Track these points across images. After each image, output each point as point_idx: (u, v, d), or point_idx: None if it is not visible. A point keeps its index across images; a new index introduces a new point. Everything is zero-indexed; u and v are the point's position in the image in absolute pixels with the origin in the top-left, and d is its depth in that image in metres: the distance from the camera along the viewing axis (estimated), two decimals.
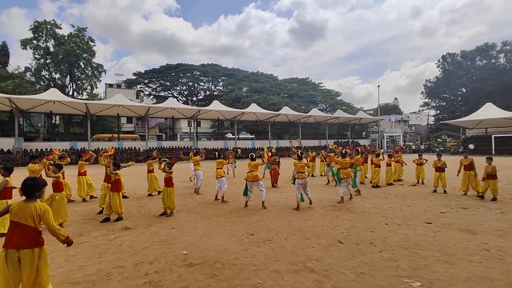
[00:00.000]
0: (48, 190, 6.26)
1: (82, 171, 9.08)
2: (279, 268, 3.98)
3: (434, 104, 57.75)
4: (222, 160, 9.36)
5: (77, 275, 3.85)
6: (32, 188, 2.95)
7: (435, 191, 10.09)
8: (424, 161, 12.04)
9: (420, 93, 58.43)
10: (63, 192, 6.63)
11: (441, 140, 54.76)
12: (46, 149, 26.69)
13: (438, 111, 58.01)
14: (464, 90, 52.40)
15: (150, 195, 9.99)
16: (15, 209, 2.85)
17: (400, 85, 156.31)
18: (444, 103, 56.15)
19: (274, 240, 5.19)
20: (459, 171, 9.89)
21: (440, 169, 10.08)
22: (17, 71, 40.14)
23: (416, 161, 12.29)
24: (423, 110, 61.61)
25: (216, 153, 10.95)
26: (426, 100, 57.52)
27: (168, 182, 7.11)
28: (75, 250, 4.78)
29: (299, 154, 8.16)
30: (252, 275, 3.79)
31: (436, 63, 55.57)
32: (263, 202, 7.86)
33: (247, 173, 7.98)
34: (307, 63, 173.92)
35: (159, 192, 9.93)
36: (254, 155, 8.50)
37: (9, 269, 2.70)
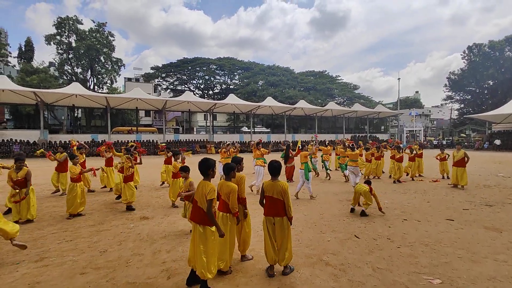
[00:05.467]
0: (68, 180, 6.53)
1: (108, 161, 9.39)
2: (295, 261, 3.97)
3: (458, 97, 55.22)
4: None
5: (99, 261, 4.00)
6: (206, 168, 3.34)
7: (454, 186, 9.79)
8: (447, 156, 11.62)
9: (443, 86, 56.05)
10: (81, 182, 6.74)
11: (464, 135, 52.43)
12: (70, 141, 27.76)
13: (462, 105, 55.47)
14: (491, 83, 49.69)
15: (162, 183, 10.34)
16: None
17: (423, 78, 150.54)
18: (469, 97, 53.58)
19: None
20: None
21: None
22: (41, 66, 41.73)
23: (438, 157, 11.88)
24: (446, 103, 59.26)
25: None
26: (450, 93, 55.10)
27: (175, 174, 7.27)
28: (97, 237, 4.97)
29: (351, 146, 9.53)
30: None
31: (462, 54, 52.92)
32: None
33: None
34: (325, 56, 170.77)
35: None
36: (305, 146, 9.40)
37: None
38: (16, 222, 5.67)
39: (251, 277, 3.50)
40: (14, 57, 45.71)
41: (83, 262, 3.96)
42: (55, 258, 4.10)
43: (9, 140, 26.81)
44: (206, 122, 45.86)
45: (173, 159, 8.06)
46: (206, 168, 3.33)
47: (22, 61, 44.22)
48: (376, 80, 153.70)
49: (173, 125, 51.71)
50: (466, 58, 52.13)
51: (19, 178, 5.85)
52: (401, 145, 12.93)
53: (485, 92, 51.51)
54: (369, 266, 3.81)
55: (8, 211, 6.51)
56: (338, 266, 3.80)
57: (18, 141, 26.89)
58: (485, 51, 49.34)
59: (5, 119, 38.89)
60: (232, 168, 3.68)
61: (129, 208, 6.88)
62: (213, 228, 3.21)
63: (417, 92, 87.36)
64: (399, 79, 55.17)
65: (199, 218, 3.19)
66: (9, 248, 4.48)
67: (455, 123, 57.02)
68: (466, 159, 9.72)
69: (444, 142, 43.05)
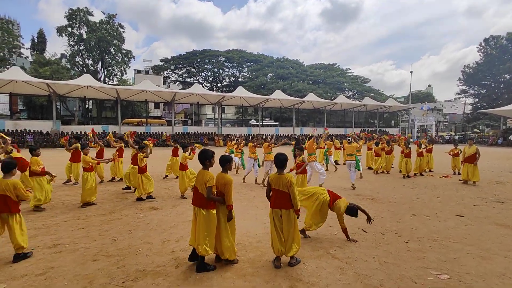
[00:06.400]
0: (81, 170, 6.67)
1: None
2: (301, 253, 3.99)
3: (472, 91, 53.73)
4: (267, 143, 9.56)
5: (110, 249, 4.11)
6: (204, 158, 3.69)
7: (465, 182, 9.66)
8: (460, 151, 11.40)
9: (457, 80, 54.55)
10: (93, 172, 6.88)
11: (478, 131, 51.16)
12: (81, 131, 28.31)
13: (476, 99, 53.99)
14: (507, 77, 48.08)
15: (166, 176, 10.43)
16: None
17: (437, 71, 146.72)
18: (484, 91, 52.05)
19: None
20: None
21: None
22: (54, 58, 42.38)
23: (451, 152, 11.65)
24: (459, 98, 57.71)
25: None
26: (464, 87, 53.66)
27: (183, 166, 7.33)
28: (108, 226, 5.10)
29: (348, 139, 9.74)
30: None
31: (478, 47, 51.22)
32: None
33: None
34: (336, 48, 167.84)
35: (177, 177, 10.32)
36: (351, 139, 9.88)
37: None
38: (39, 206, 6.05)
39: (257, 268, 3.54)
40: (27, 49, 46.57)
41: (95, 250, 4.07)
42: (68, 245, 4.23)
43: (23, 130, 27.50)
44: (215, 114, 45.96)
45: (181, 151, 8.10)
46: (204, 158, 3.66)
47: (35, 52, 44.99)
48: (387, 73, 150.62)
49: (182, 118, 52.05)
50: (482, 50, 50.53)
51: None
52: (411, 140, 12.76)
53: (501, 86, 49.97)
54: (376, 260, 3.81)
55: None
56: (345, 259, 3.80)
57: (32, 131, 27.57)
58: (502, 44, 47.71)
59: (18, 110, 39.83)
60: (228, 161, 3.78)
61: (150, 197, 7.03)
62: (214, 211, 3.53)
63: (429, 86, 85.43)
64: (411, 72, 54.02)
65: (200, 202, 3.54)
66: None
67: (468, 118, 55.63)
68: (477, 155, 9.51)
69: (457, 138, 42.14)
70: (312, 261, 3.75)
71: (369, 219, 4.59)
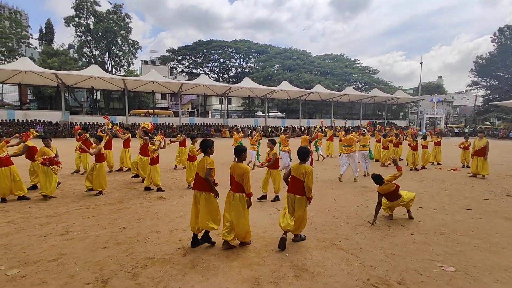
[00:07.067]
0: (91, 160, 6.79)
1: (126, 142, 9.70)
2: (306, 244, 4.03)
3: (484, 83, 52.33)
4: (305, 136, 9.51)
5: (119, 236, 4.21)
6: (205, 147, 4.04)
7: (474, 175, 9.55)
8: (470, 144, 11.22)
9: (469, 71, 53.18)
10: (104, 162, 7.04)
11: (489, 123, 50.05)
12: (90, 122, 28.65)
13: (488, 91, 52.63)
14: None
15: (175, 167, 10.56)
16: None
17: (448, 62, 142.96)
18: (497, 82, 50.66)
19: None
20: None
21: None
22: (62, 48, 42.60)
23: (462, 145, 11.45)
24: (470, 89, 56.35)
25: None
26: (476, 78, 52.28)
27: (192, 157, 7.38)
28: (117, 215, 5.21)
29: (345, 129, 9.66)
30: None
31: (492, 37, 49.64)
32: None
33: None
34: (344, 38, 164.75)
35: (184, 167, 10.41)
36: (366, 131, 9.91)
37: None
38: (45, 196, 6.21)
39: (263, 258, 3.59)
40: (35, 39, 46.86)
41: (105, 237, 4.17)
42: (78, 233, 4.34)
43: (33, 120, 27.95)
44: (221, 106, 45.94)
45: (188, 142, 8.16)
46: (206, 146, 4.02)
47: (43, 43, 45.25)
48: (397, 64, 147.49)
49: (188, 109, 52.18)
50: (496, 41, 48.97)
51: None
52: (419, 133, 12.62)
53: None
54: (382, 251, 3.82)
55: (33, 187, 6.92)
56: (350, 251, 3.83)
57: (42, 121, 28.01)
58: None
59: (28, 100, 40.39)
60: (243, 151, 4.00)
61: (159, 190, 7.09)
62: (213, 194, 3.86)
63: (440, 77, 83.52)
64: (421, 63, 52.88)
65: (202, 186, 3.86)
66: (37, 222, 4.79)
67: (479, 110, 54.39)
68: (486, 149, 9.34)
69: (467, 130, 41.36)
70: (317, 252, 3.78)
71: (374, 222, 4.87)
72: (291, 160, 9.33)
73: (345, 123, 20.16)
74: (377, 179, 5.06)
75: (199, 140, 5.08)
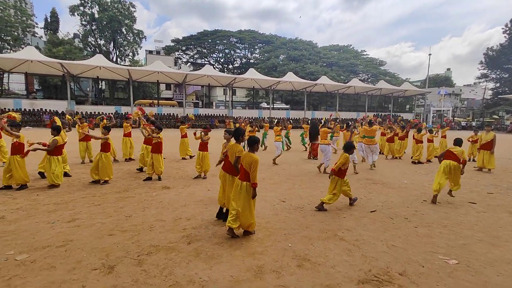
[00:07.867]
0: (96, 149, 6.86)
1: (127, 132, 9.74)
2: (309, 234, 4.07)
3: (494, 75, 51.39)
4: (325, 129, 9.24)
5: (124, 224, 4.29)
6: (238, 135, 4.37)
7: (480, 169, 9.49)
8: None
9: (478, 63, 52.12)
10: (110, 151, 7.12)
11: (497, 117, 49.24)
12: (95, 112, 28.84)
13: (497, 84, 51.70)
14: None
15: (183, 158, 10.52)
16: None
17: (457, 54, 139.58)
18: (507, 75, 49.66)
19: (305, 208, 5.27)
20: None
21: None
22: (67, 38, 42.58)
23: (471, 139, 11.26)
24: (479, 82, 55.42)
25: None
26: (485, 71, 51.31)
27: (203, 147, 7.38)
28: (123, 203, 5.29)
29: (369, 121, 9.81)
30: (282, 238, 3.92)
31: (503, 28, 48.40)
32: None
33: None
34: (351, 29, 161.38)
35: (190, 157, 10.46)
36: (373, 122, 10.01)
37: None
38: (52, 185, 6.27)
39: (266, 247, 3.63)
40: (40, 28, 46.85)
41: (111, 225, 4.25)
42: (85, 220, 4.43)
43: (39, 109, 28.22)
44: (226, 96, 45.78)
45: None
46: (238, 134, 4.35)
47: (48, 32, 45.25)
48: (405, 55, 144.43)
49: (192, 99, 52.13)
50: (508, 32, 47.76)
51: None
52: (427, 125, 12.48)
53: None
54: (384, 243, 3.84)
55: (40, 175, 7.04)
56: (353, 242, 3.85)
57: (48, 110, 28.25)
58: None
59: (35, 89, 40.66)
60: (256, 141, 4.11)
61: (159, 179, 7.15)
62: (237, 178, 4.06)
63: (448, 69, 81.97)
64: (430, 54, 51.91)
65: (230, 170, 4.30)
66: (45, 209, 4.89)
67: (487, 103, 53.50)
68: (493, 143, 9.21)
69: (474, 124, 40.79)
70: (320, 242, 3.82)
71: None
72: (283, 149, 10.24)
73: (338, 115, 19.91)
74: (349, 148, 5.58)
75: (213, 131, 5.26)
